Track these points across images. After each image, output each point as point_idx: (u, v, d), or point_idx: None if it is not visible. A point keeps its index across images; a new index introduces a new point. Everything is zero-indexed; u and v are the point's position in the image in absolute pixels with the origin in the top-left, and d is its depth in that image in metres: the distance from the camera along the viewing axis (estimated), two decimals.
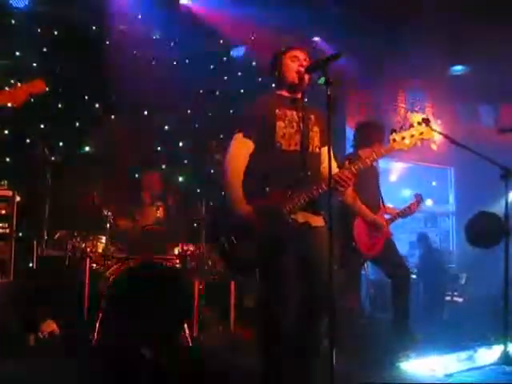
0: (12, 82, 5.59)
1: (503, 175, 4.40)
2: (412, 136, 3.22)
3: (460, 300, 7.91)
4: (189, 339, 4.74)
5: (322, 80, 2.96)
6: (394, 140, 3.22)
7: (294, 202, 3.12)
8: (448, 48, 8.05)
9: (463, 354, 4.55)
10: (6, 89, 3.54)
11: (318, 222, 3.23)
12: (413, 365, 4.28)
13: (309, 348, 3.18)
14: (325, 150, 3.27)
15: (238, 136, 3.24)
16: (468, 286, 8.09)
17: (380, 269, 5.17)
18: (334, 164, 3.09)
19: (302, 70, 3.22)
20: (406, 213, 5.14)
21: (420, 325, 5.49)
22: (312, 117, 3.31)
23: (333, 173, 2.98)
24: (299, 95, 3.34)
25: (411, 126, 3.25)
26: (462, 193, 10.49)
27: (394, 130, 3.24)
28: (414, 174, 10.67)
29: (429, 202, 10.40)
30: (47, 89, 6.03)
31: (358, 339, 4.51)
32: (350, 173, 3.13)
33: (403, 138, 3.22)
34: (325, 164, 3.17)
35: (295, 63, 3.27)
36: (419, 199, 5.19)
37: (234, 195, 3.15)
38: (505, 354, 4.26)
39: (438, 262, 8.62)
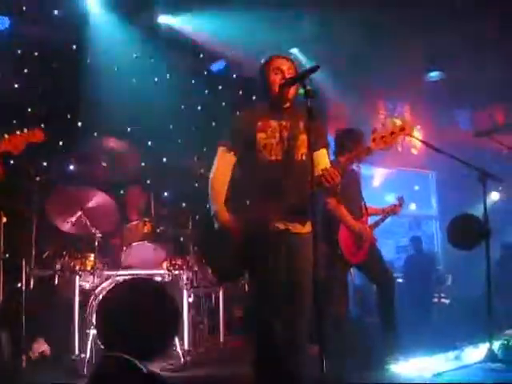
0: None
1: (480, 177, 4.51)
2: (392, 133, 3.15)
3: (447, 301, 8.02)
4: (180, 354, 4.78)
5: (301, 91, 3.04)
6: (374, 139, 3.17)
7: (275, 209, 3.19)
8: (424, 54, 8.22)
9: (451, 354, 4.64)
10: (6, 136, 3.61)
11: (300, 228, 3.28)
12: (401, 366, 4.37)
13: (294, 348, 3.22)
14: (318, 154, 3.30)
15: (221, 150, 3.37)
16: (454, 287, 8.20)
17: (365, 274, 5.23)
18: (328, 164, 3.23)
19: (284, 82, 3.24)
20: (389, 214, 5.22)
21: (408, 326, 5.57)
22: (300, 124, 3.29)
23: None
24: (287, 105, 3.36)
25: (392, 132, 3.17)
26: (443, 196, 10.62)
27: (375, 129, 3.18)
28: (396, 179, 10.78)
29: (412, 207, 10.53)
30: (29, 110, 6.15)
31: (346, 343, 4.57)
32: (337, 168, 3.11)
33: (383, 137, 3.16)
34: (319, 168, 3.16)
35: (278, 76, 3.29)
36: (401, 202, 5.28)
37: (215, 207, 3.27)
38: (490, 351, 4.37)
39: (426, 264, 8.73)
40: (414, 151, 10.26)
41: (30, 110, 6.14)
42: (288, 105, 3.37)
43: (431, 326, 6.66)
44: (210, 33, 7.11)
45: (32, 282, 5.00)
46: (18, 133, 3.71)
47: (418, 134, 9.41)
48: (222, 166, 3.36)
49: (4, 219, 4.96)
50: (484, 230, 4.66)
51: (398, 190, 9.97)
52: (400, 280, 8.06)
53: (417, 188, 11.26)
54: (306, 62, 7.52)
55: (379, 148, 3.16)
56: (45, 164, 6.34)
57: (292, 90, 3.29)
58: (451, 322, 6.40)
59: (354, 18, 6.97)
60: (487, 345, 4.42)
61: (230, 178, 3.35)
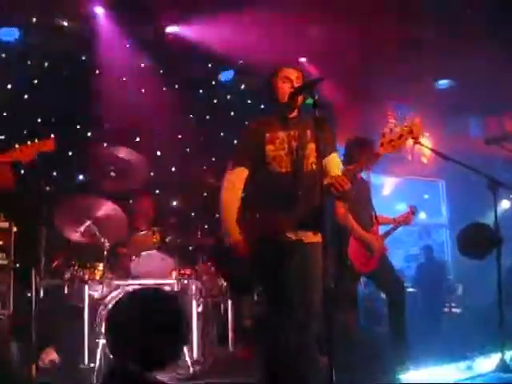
0: None
1: (490, 185, 4.48)
2: (400, 137, 3.09)
3: (458, 311, 7.95)
4: (189, 363, 4.77)
5: (309, 101, 3.04)
6: (382, 144, 3.11)
7: (288, 220, 3.18)
8: (434, 62, 8.19)
9: (462, 364, 4.59)
10: (16, 146, 3.64)
11: (312, 237, 3.25)
12: (412, 376, 4.32)
13: (304, 357, 3.21)
14: (329, 159, 3.29)
15: (231, 165, 3.36)
16: (465, 297, 8.14)
17: (375, 284, 5.20)
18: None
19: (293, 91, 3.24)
20: (400, 223, 5.19)
21: (418, 336, 5.53)
22: (308, 132, 3.29)
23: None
24: (294, 114, 3.37)
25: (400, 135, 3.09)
26: (453, 204, 10.57)
27: (383, 135, 3.12)
28: (406, 188, 10.74)
29: (422, 215, 10.47)
30: (39, 120, 6.20)
31: (355, 353, 4.54)
32: (347, 176, 3.08)
33: (391, 141, 3.10)
34: (332, 173, 3.19)
35: (287, 84, 3.31)
36: (413, 210, 5.24)
37: (226, 226, 3.27)
38: (502, 361, 4.32)
39: (437, 273, 8.68)
40: (424, 160, 10.20)
41: (39, 120, 6.18)
42: (295, 114, 3.38)
43: (442, 335, 6.60)
44: (219, 43, 7.12)
45: (42, 292, 5.00)
46: (28, 143, 3.73)
47: (427, 142, 9.36)
48: (233, 182, 3.34)
49: (14, 229, 4.98)
50: (495, 238, 4.63)
51: (407, 198, 9.96)
52: (410, 289, 8.01)
53: (426, 197, 11.20)
54: (314, 71, 7.54)
55: (388, 152, 3.11)
56: (55, 174, 6.38)
57: (300, 99, 3.29)
58: (462, 331, 6.33)
59: (363, 26, 6.97)
60: (499, 355, 4.39)
61: (241, 193, 3.33)
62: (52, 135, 6.08)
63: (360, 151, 4.72)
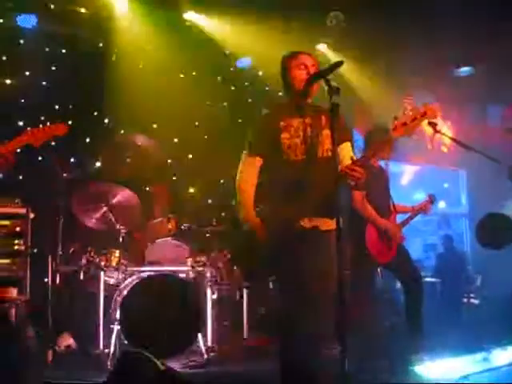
0: None
1: (510, 175, 4.40)
2: (414, 119, 2.99)
3: (476, 302, 7.87)
4: (204, 350, 4.78)
5: (326, 88, 2.99)
6: (395, 128, 3.03)
7: (305, 208, 3.15)
8: (455, 49, 8.05)
9: (478, 356, 4.54)
10: (28, 129, 3.65)
11: (329, 225, 3.20)
12: (428, 367, 4.29)
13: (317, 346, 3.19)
14: (341, 147, 3.25)
15: (246, 154, 3.35)
16: (483, 288, 8.04)
17: (392, 273, 5.15)
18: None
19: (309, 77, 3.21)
20: (418, 212, 5.12)
21: (436, 327, 5.48)
22: (323, 118, 3.27)
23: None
24: (309, 100, 3.35)
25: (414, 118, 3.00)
26: (474, 194, 10.42)
27: (396, 118, 3.04)
28: (425, 177, 10.61)
29: (441, 204, 10.36)
30: (57, 107, 6.21)
31: (370, 343, 4.51)
32: (358, 164, 3.04)
33: (404, 124, 3.01)
34: (344, 162, 3.16)
35: (302, 71, 3.29)
36: (432, 199, 5.18)
37: (244, 212, 3.26)
38: None
39: (456, 263, 8.60)
40: (444, 149, 10.07)
41: (57, 107, 6.20)
42: (310, 101, 3.35)
43: (459, 326, 6.53)
44: (237, 29, 7.07)
45: (58, 277, 5.05)
46: (40, 126, 3.75)
47: (447, 131, 9.24)
48: (248, 170, 3.34)
49: (32, 215, 5.02)
50: None
51: (427, 187, 9.85)
52: (430, 279, 7.95)
53: (446, 186, 11.06)
54: (333, 57, 7.47)
55: (401, 135, 3.03)
56: (72, 161, 6.41)
57: (316, 86, 3.26)
58: (480, 322, 6.27)
59: (382, 12, 6.87)
60: None
61: (256, 181, 3.32)
62: (69, 122, 6.21)
63: (377, 139, 4.67)
